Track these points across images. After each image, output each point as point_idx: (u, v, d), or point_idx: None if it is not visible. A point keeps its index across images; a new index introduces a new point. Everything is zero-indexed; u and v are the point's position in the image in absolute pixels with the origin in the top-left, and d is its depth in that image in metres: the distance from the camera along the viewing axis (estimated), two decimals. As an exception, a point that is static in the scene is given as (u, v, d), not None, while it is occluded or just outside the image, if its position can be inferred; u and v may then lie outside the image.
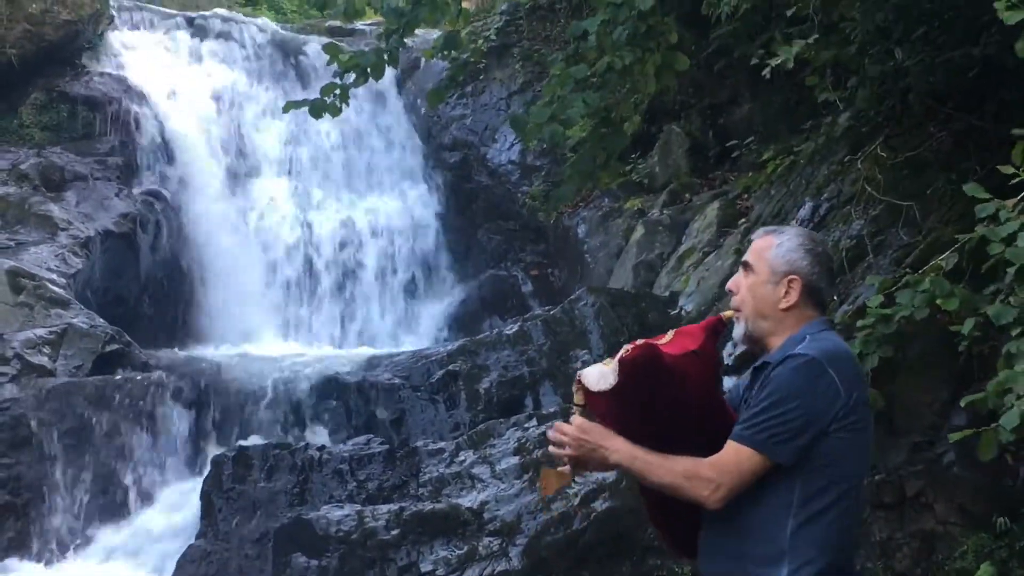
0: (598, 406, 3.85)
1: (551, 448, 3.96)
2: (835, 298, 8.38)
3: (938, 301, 5.67)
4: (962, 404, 5.50)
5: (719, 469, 3.68)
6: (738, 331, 3.95)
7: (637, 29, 7.58)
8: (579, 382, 3.87)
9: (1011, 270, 5.20)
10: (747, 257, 3.96)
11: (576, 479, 3.95)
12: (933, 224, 7.83)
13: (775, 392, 3.70)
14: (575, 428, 3.84)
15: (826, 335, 3.83)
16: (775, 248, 3.91)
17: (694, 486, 3.70)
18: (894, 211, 8.11)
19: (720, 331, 3.97)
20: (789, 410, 3.65)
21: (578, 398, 3.88)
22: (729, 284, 4.04)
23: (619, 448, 3.79)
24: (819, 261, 3.89)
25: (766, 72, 7.83)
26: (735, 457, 3.68)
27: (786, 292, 3.86)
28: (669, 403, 3.80)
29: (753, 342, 3.93)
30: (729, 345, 7.94)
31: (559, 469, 3.92)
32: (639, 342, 3.85)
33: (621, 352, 3.82)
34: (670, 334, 3.94)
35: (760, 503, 3.69)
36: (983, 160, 7.49)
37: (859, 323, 6.04)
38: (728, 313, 3.98)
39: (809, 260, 3.87)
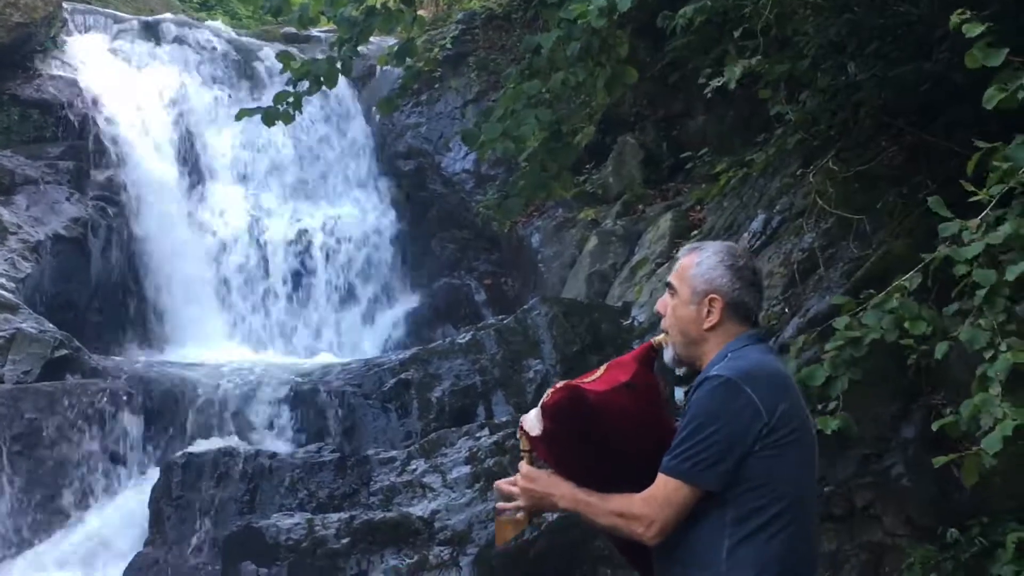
0: (540, 450, 3.84)
1: (498, 504, 3.97)
2: (786, 310, 8.44)
3: (906, 325, 5.67)
4: (933, 428, 5.50)
5: (651, 504, 3.64)
6: (668, 355, 3.89)
7: (590, 44, 7.61)
8: (522, 427, 3.85)
9: (980, 292, 5.21)
10: (670, 278, 3.91)
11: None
12: (884, 238, 7.89)
13: (694, 418, 3.64)
14: (524, 478, 3.83)
15: (747, 351, 3.76)
16: (695, 267, 3.84)
17: (629, 524, 3.68)
18: (845, 224, 8.17)
19: (653, 357, 3.91)
20: (708, 435, 3.60)
21: (523, 443, 3.87)
22: (657, 306, 3.98)
23: (564, 493, 3.77)
24: (740, 276, 3.81)
25: (708, 92, 7.87)
26: (663, 490, 3.64)
27: (708, 312, 3.80)
28: (603, 440, 3.76)
29: (684, 364, 3.89)
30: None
31: (514, 517, 3.92)
32: (560, 384, 3.81)
33: (544, 396, 3.80)
34: (602, 368, 3.89)
35: (695, 529, 3.65)
36: (933, 175, 7.55)
37: (827, 346, 6.03)
38: (659, 338, 3.92)
39: (729, 276, 3.80)
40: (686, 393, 3.82)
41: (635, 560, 4.00)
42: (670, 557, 3.71)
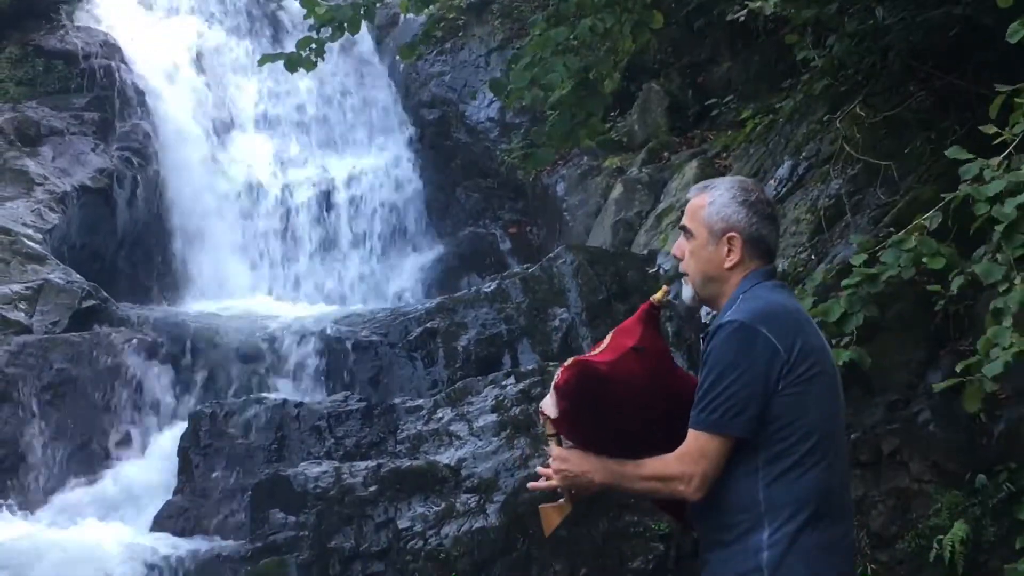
0: (563, 431, 3.84)
1: (530, 484, 3.98)
2: (812, 257, 8.41)
3: (924, 260, 5.66)
4: (957, 369, 5.50)
5: (686, 461, 3.64)
6: (687, 293, 3.88)
7: (618, -11, 7.56)
8: (542, 412, 3.84)
9: (998, 228, 5.19)
10: (684, 221, 3.87)
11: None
12: (911, 184, 7.85)
13: (714, 367, 3.62)
14: (556, 460, 3.83)
15: (756, 291, 3.73)
16: (708, 207, 3.80)
17: (669, 485, 3.68)
18: (872, 170, 8.12)
19: (656, 315, 3.89)
20: (731, 382, 3.58)
21: (548, 428, 3.86)
22: (673, 250, 3.94)
23: (598, 468, 3.77)
24: (755, 210, 3.78)
25: (741, 16, 7.77)
26: (696, 444, 3.64)
27: (728, 251, 3.77)
28: (622, 408, 3.75)
29: (705, 303, 3.88)
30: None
31: (558, 503, 3.92)
32: (568, 362, 3.79)
33: (555, 377, 3.79)
34: (608, 337, 3.87)
35: (730, 474, 3.65)
36: (962, 120, 7.49)
37: (844, 282, 6.02)
38: (658, 296, 3.89)
39: (744, 212, 3.77)
40: (703, 338, 3.77)
41: (675, 512, 4.01)
42: (708, 505, 3.71)
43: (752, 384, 3.58)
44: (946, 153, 5.55)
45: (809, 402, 3.63)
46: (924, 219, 5.84)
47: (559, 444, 3.85)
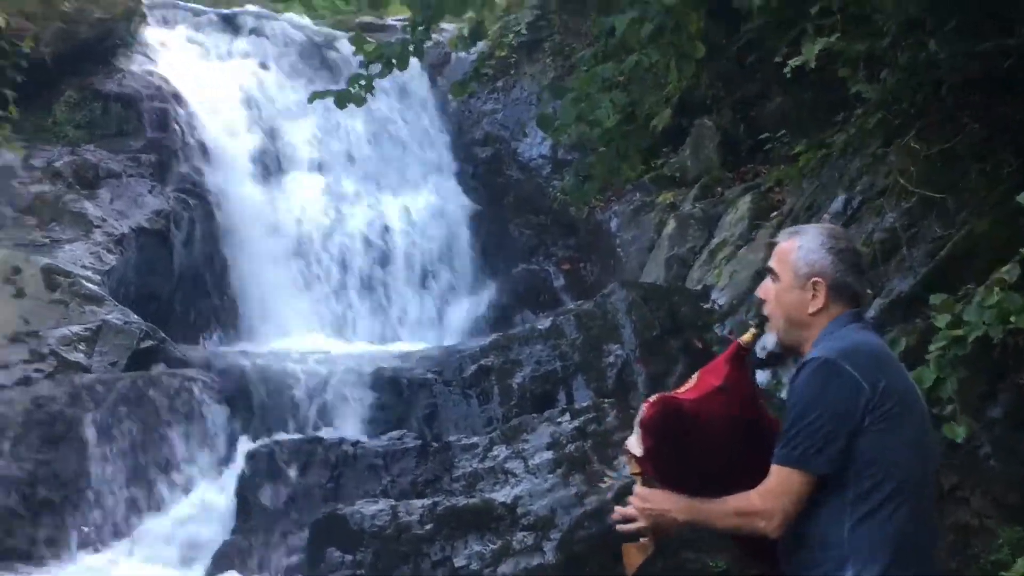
0: (647, 469, 3.85)
1: (619, 527, 3.98)
2: (869, 291, 8.36)
3: (1012, 318, 5.59)
4: None
5: (767, 497, 3.66)
6: (770, 340, 3.91)
7: (664, 24, 7.57)
8: (626, 450, 3.87)
9: None
10: (771, 263, 3.91)
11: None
12: (966, 217, 7.80)
13: (797, 403, 3.65)
14: (638, 499, 3.86)
15: (844, 332, 3.75)
16: (796, 251, 3.84)
17: (750, 522, 3.69)
18: (927, 203, 8.08)
19: (743, 356, 3.92)
20: (814, 419, 3.60)
21: (632, 467, 3.89)
22: (759, 291, 3.98)
23: (681, 507, 3.79)
24: (843, 258, 3.82)
25: (787, 71, 7.81)
26: (778, 480, 3.65)
27: (813, 295, 3.80)
28: (705, 446, 3.78)
29: (788, 350, 3.89)
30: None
31: (640, 542, 3.93)
32: (653, 399, 3.84)
33: (640, 414, 3.81)
34: (694, 377, 3.91)
35: (818, 512, 3.65)
36: (1017, 151, 7.45)
37: (930, 346, 5.96)
38: (746, 337, 3.92)
39: (832, 259, 3.80)
40: (789, 378, 3.81)
41: (756, 552, 3.99)
42: (795, 542, 3.72)
43: (834, 420, 3.59)
44: (1018, 199, 5.48)
45: (895, 441, 3.63)
46: (1003, 272, 5.77)
47: (644, 484, 3.87)
